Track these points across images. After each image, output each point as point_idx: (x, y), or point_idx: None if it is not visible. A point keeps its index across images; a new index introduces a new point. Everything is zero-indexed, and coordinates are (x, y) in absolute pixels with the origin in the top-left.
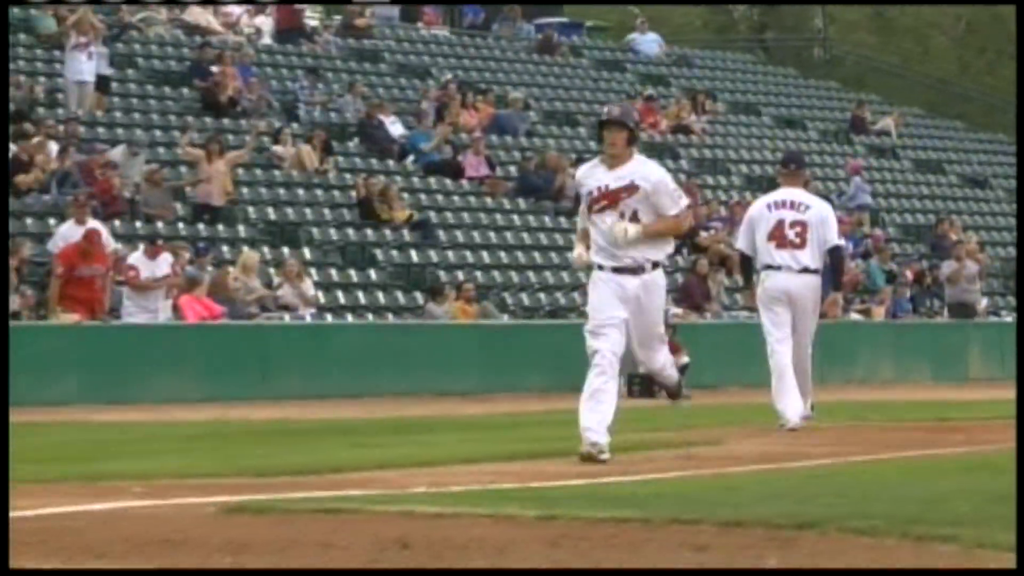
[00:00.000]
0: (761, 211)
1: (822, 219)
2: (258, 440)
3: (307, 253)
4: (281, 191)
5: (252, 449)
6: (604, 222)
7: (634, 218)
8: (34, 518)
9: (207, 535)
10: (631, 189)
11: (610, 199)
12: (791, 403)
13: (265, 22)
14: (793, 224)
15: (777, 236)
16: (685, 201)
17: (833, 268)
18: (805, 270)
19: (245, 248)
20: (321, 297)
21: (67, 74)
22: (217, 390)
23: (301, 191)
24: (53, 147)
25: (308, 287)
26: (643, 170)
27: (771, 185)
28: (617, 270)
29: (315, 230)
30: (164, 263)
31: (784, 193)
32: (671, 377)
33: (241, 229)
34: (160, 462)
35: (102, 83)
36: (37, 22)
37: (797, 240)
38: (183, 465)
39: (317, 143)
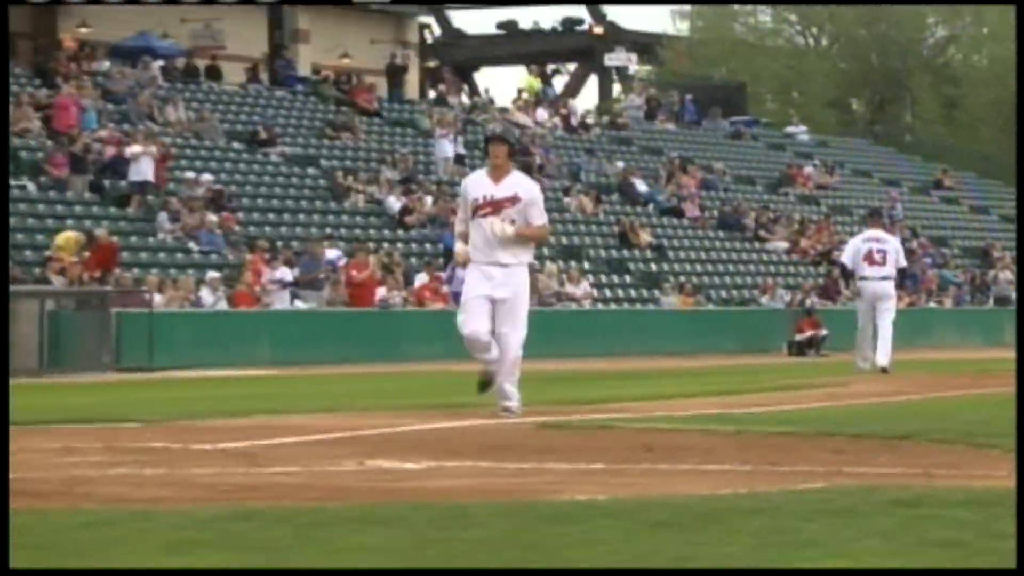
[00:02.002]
0: (859, 242)
1: (896, 249)
2: (554, 383)
3: (586, 265)
4: (570, 226)
5: (552, 388)
6: (484, 226)
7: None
8: (423, 431)
9: (525, 442)
10: (514, 200)
11: (494, 207)
12: (866, 356)
13: (556, 120)
14: (878, 251)
15: (868, 258)
16: (545, 217)
17: (902, 278)
18: (884, 278)
19: (547, 263)
20: (595, 293)
21: (437, 152)
22: (535, 350)
23: (582, 226)
24: (428, 199)
25: (585, 287)
26: (524, 184)
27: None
28: (488, 264)
29: (591, 251)
30: None
31: (872, 232)
32: (507, 372)
33: (544, 250)
34: (276, 401)
35: (458, 158)
36: (419, 122)
37: (880, 260)
38: None
39: (593, 195)
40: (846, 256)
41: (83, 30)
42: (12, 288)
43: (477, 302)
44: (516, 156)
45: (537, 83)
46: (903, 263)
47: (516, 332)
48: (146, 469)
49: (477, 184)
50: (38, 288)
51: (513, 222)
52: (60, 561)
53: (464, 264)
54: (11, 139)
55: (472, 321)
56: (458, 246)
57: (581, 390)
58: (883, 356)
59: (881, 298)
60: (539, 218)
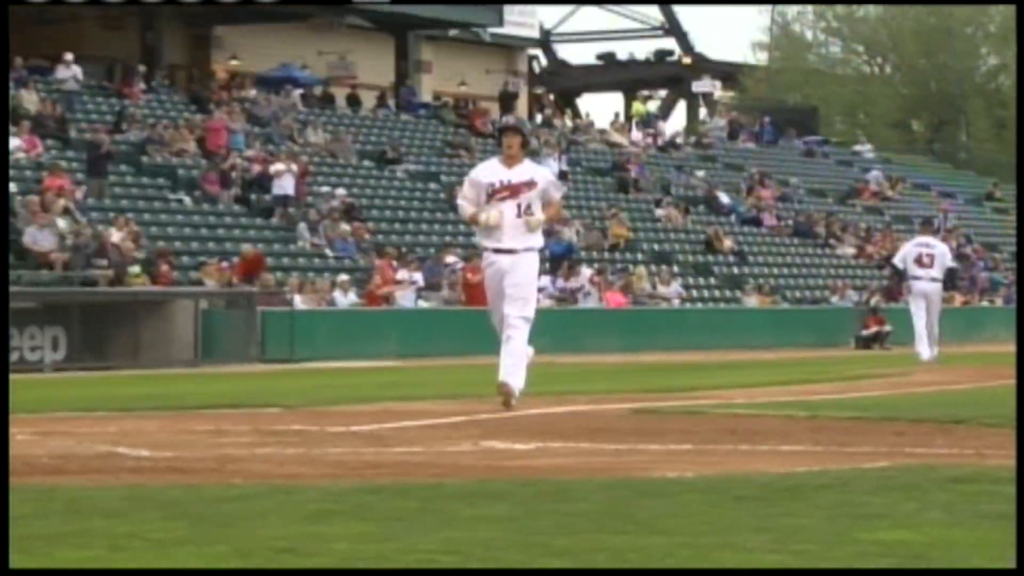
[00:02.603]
0: (910, 247)
1: (943, 253)
2: (648, 373)
3: (675, 269)
4: (661, 234)
5: (645, 378)
6: (500, 208)
7: (528, 209)
8: (531, 415)
9: (621, 426)
10: (531, 184)
11: (512, 191)
12: (924, 350)
13: (649, 140)
14: (927, 255)
15: (918, 261)
16: (563, 190)
17: (950, 278)
18: (933, 280)
19: (640, 267)
20: (684, 294)
21: None
22: (630, 344)
23: (672, 235)
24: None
25: (675, 288)
26: (539, 170)
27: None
28: (496, 251)
29: (680, 256)
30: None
31: (922, 239)
32: (510, 366)
33: (639, 255)
34: (597, 384)
35: (562, 174)
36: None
37: (928, 263)
38: (611, 385)
39: (682, 207)
40: (898, 259)
41: (233, 62)
42: (171, 289)
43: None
44: (527, 147)
45: (644, 108)
46: (950, 265)
47: (523, 311)
48: (287, 449)
49: (491, 171)
50: (193, 289)
51: (529, 210)
52: (213, 531)
53: (486, 222)
54: (170, 159)
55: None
56: (483, 215)
57: (671, 379)
58: (928, 348)
59: (930, 296)
60: (557, 193)
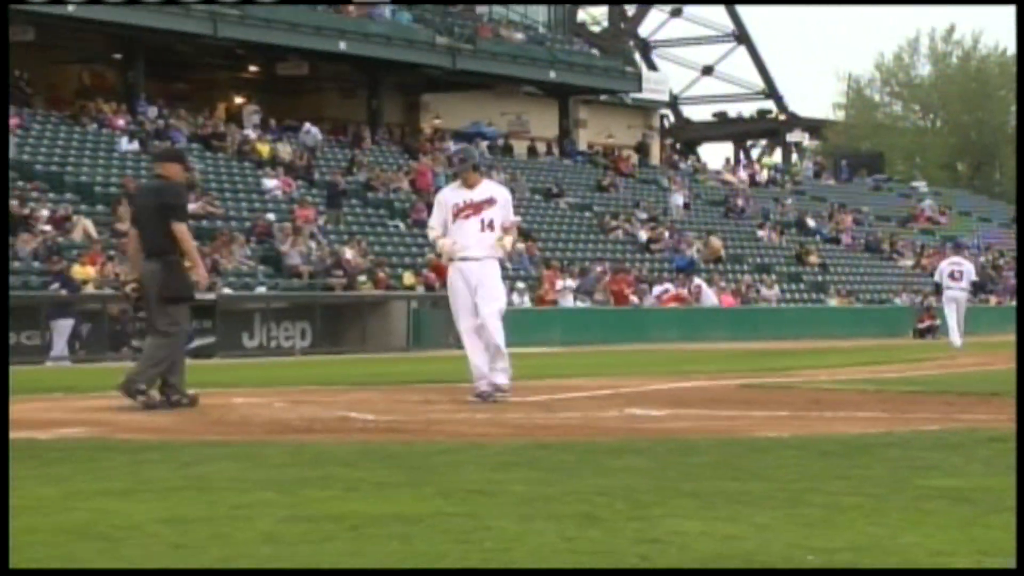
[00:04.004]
0: (945, 265)
1: (969, 270)
2: (753, 357)
3: (773, 277)
4: (762, 250)
5: (751, 360)
6: (464, 226)
7: (491, 224)
8: (663, 389)
9: (732, 397)
10: (491, 201)
11: (475, 208)
12: (955, 339)
13: (745, 175)
14: (957, 271)
15: (951, 276)
16: (513, 215)
17: (976, 288)
18: (962, 290)
19: (746, 275)
20: (780, 295)
21: (671, 201)
22: (739, 335)
23: (770, 250)
24: (666, 233)
25: (775, 291)
26: (497, 188)
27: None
28: (464, 259)
29: (777, 267)
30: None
31: (954, 258)
32: (494, 363)
33: (745, 266)
34: (714, 365)
35: (686, 205)
36: (659, 181)
37: (959, 277)
38: (724, 366)
39: (778, 229)
40: (936, 275)
41: (436, 121)
42: (389, 293)
43: (473, 338)
44: (478, 169)
45: (771, 161)
46: (975, 279)
47: (493, 304)
48: (478, 414)
49: (455, 194)
50: (406, 293)
51: (492, 224)
52: (422, 476)
53: (450, 258)
54: (388, 194)
55: (474, 356)
56: (445, 242)
57: (771, 362)
58: (958, 338)
59: (959, 302)
60: (511, 214)
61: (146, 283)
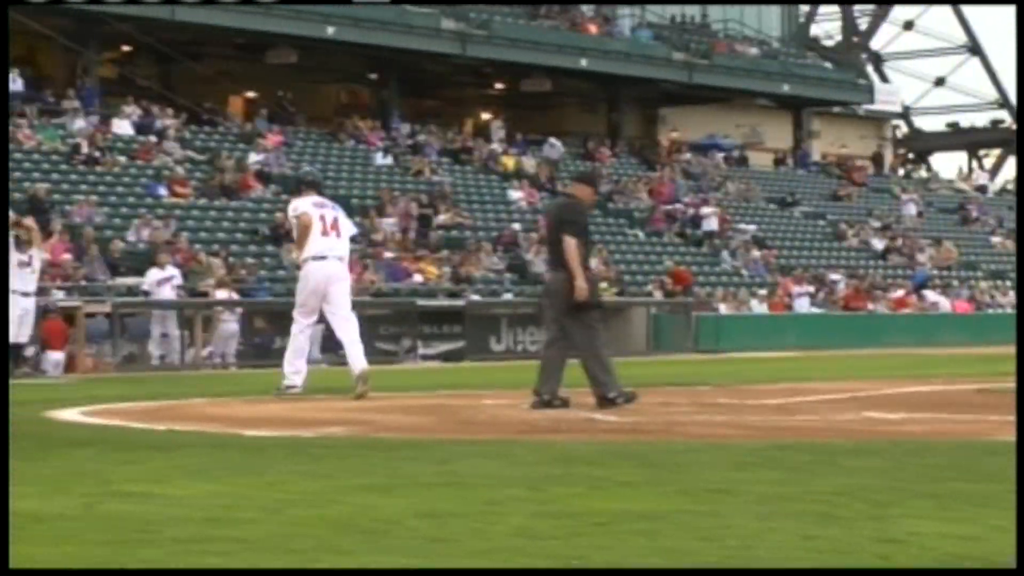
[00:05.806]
0: None
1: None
2: (989, 361)
3: (1008, 283)
4: (995, 256)
5: (987, 364)
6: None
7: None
8: (899, 393)
9: (968, 401)
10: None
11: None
12: None
13: (979, 183)
14: None
15: None
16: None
17: None
18: None
19: (981, 282)
20: (1015, 301)
21: (903, 210)
22: (973, 339)
23: (1004, 256)
24: (899, 241)
25: (1010, 298)
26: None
27: None
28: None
29: (1011, 273)
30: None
31: None
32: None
33: (978, 273)
34: (950, 369)
35: (919, 214)
36: (893, 190)
37: None
38: (960, 370)
39: (1011, 236)
40: None
41: (673, 134)
42: (630, 299)
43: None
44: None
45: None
46: None
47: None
48: (717, 416)
49: (308, 209)
50: (646, 299)
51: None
52: (664, 475)
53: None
54: (628, 204)
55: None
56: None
57: (1007, 366)
58: None
59: None
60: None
61: (552, 291)
